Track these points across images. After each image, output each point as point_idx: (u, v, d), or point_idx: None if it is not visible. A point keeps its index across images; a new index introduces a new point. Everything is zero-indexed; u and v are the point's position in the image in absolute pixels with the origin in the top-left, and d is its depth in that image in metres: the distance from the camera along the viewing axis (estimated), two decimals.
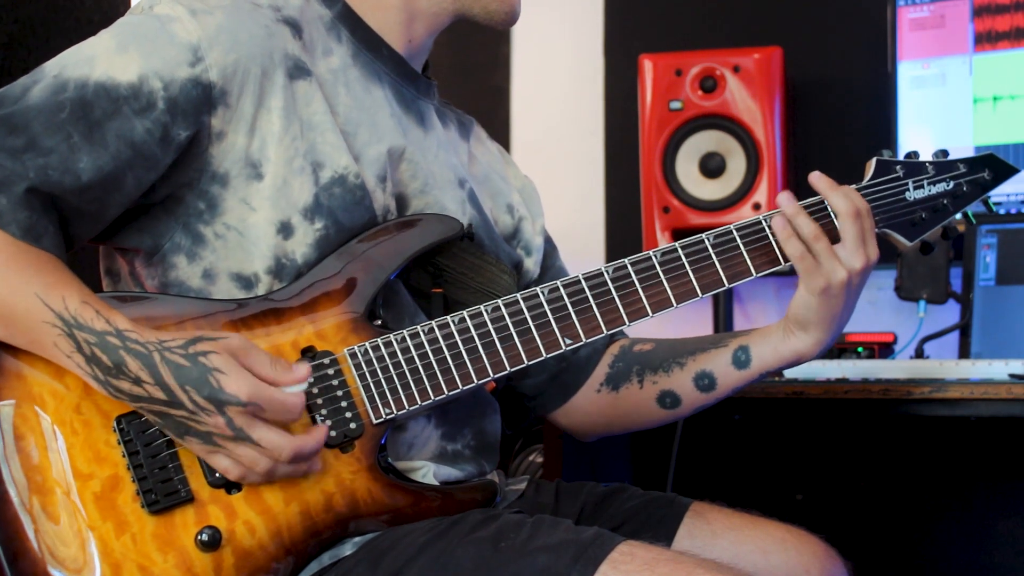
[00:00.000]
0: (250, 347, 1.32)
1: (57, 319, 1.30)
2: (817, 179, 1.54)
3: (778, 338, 1.59)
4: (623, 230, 3.03)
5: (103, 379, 1.30)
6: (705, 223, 2.58)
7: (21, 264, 1.31)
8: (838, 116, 2.82)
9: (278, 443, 1.30)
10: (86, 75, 1.36)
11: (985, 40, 2.48)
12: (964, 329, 2.32)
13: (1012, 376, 1.95)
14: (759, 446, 2.69)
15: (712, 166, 2.68)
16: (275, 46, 1.44)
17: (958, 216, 1.61)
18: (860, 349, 2.37)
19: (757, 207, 2.61)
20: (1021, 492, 2.52)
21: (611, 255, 3.01)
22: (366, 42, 1.55)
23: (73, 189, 1.34)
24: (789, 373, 2.10)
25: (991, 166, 1.61)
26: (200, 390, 1.28)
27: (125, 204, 1.40)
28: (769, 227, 1.52)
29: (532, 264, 1.73)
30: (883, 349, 2.39)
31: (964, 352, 2.31)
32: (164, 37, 1.39)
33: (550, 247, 1.79)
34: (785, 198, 1.52)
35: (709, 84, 2.65)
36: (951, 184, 1.60)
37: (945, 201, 1.59)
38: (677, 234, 2.63)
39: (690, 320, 2.72)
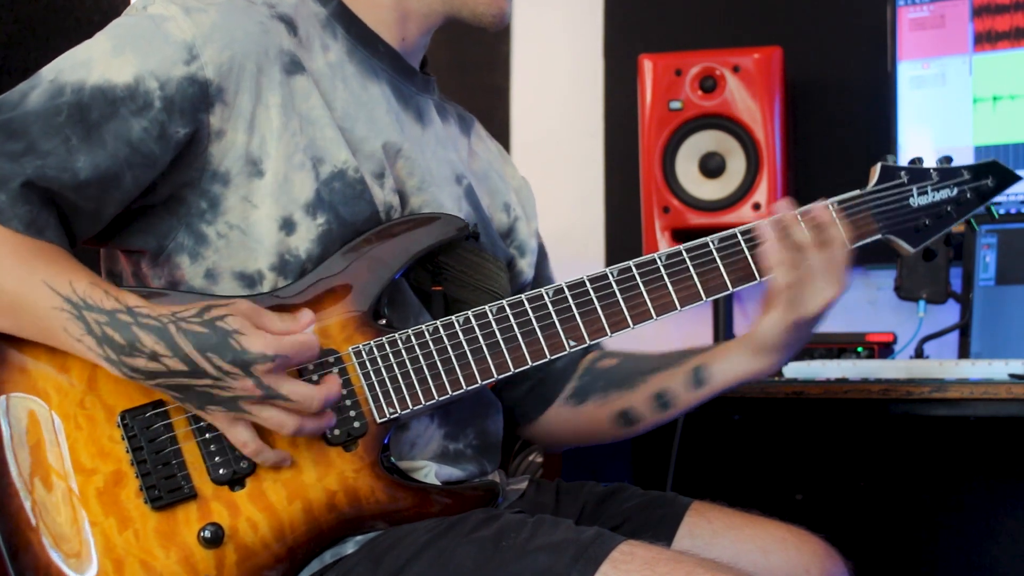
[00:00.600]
0: (257, 309, 1.32)
1: (65, 303, 1.30)
2: (781, 209, 1.52)
3: (737, 359, 1.61)
4: (623, 230, 3.02)
5: (116, 359, 1.30)
6: (705, 223, 2.58)
7: (26, 255, 1.32)
8: (838, 116, 2.82)
9: (308, 393, 1.31)
10: (83, 79, 1.36)
11: (985, 40, 2.48)
12: (964, 329, 2.32)
13: (1012, 376, 1.95)
14: (759, 446, 2.69)
15: (712, 166, 2.68)
16: (270, 42, 1.44)
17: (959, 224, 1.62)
18: (860, 349, 2.37)
19: (757, 207, 2.61)
20: (1021, 492, 2.52)
21: (611, 255, 3.01)
22: (361, 39, 1.55)
23: (70, 185, 1.35)
24: (789, 373, 2.10)
25: (994, 173, 1.62)
26: (223, 355, 1.28)
27: (124, 203, 1.40)
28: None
29: (526, 265, 1.72)
30: (883, 349, 2.39)
31: (964, 352, 2.31)
32: (159, 37, 1.39)
33: (542, 255, 1.79)
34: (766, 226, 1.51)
35: (709, 84, 2.65)
36: (955, 191, 1.60)
37: (949, 208, 1.60)
38: (677, 234, 2.63)
39: (690, 320, 2.72)
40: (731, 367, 1.62)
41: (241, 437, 1.34)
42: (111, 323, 1.30)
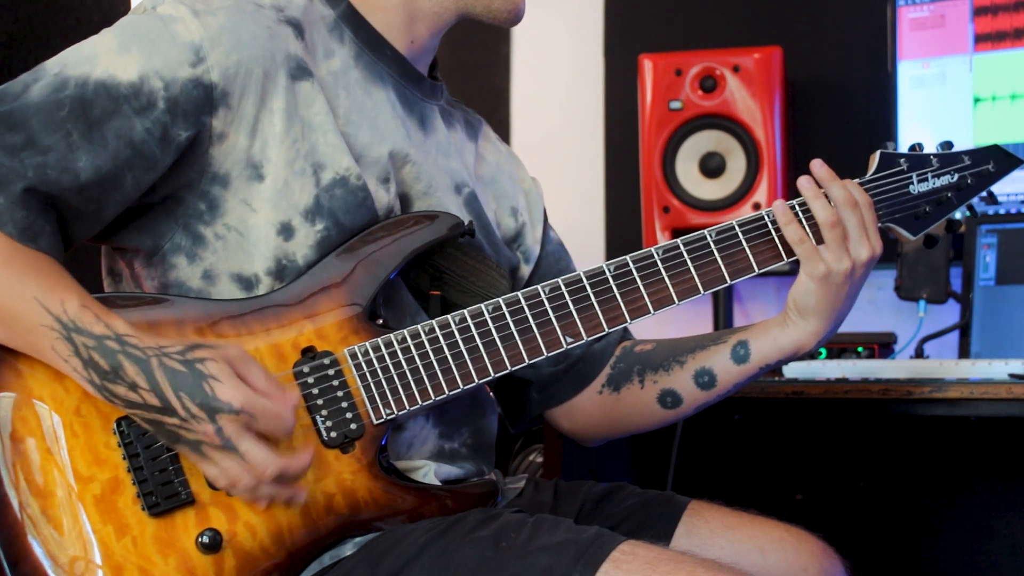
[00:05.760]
0: (247, 358, 1.31)
1: (56, 323, 1.30)
2: (818, 168, 1.53)
3: (777, 329, 1.58)
4: (623, 230, 3.03)
5: (99, 383, 1.30)
6: (705, 223, 2.56)
7: (19, 266, 1.31)
8: (838, 116, 2.82)
9: (263, 459, 1.28)
10: (87, 73, 1.36)
11: (985, 40, 2.49)
12: (964, 329, 2.32)
13: (1012, 376, 1.95)
14: (759, 446, 2.69)
15: (712, 166, 2.68)
16: (277, 47, 1.44)
17: (958, 214, 1.61)
18: (860, 349, 2.37)
19: (757, 207, 2.61)
20: (1021, 492, 2.52)
21: (611, 255, 3.00)
22: (369, 43, 1.54)
23: (71, 188, 1.34)
24: (789, 373, 2.10)
25: (995, 158, 1.60)
26: (194, 397, 1.27)
27: (124, 204, 1.40)
28: (772, 222, 1.52)
29: (527, 272, 1.72)
30: (883, 349, 2.39)
31: (964, 352, 2.31)
32: (166, 37, 1.39)
33: (562, 252, 1.78)
34: (806, 181, 1.52)
35: (709, 84, 2.65)
36: (955, 176, 1.59)
37: (949, 194, 1.58)
38: (677, 234, 2.62)
39: (690, 320, 2.72)
40: (772, 339, 1.58)
41: (211, 473, 1.31)
42: (98, 348, 1.29)
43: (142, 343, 1.30)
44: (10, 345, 1.34)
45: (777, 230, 1.52)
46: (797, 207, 1.53)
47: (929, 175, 1.58)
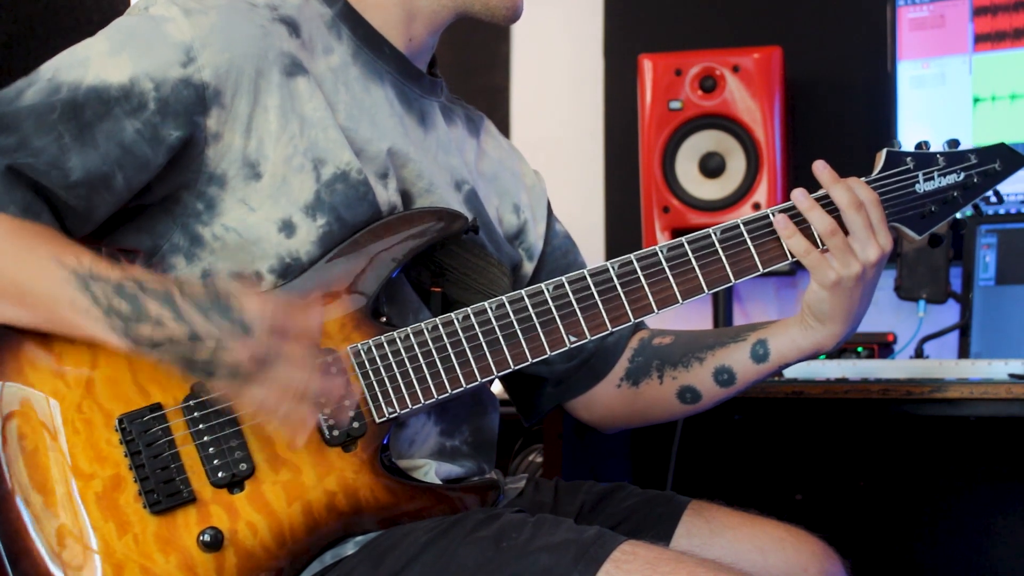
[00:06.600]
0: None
1: (72, 275, 1.29)
2: (820, 170, 1.52)
3: (796, 331, 1.58)
4: (623, 230, 3.03)
5: (122, 328, 1.29)
6: (705, 223, 2.55)
7: (27, 237, 1.32)
8: (838, 116, 2.82)
9: (308, 355, 1.30)
10: (79, 78, 1.37)
11: (985, 40, 2.49)
12: (964, 329, 2.32)
13: (1012, 376, 1.95)
14: (759, 446, 2.69)
15: (712, 166, 2.68)
16: (270, 45, 1.44)
17: (961, 214, 1.60)
18: (860, 349, 2.37)
19: (757, 207, 2.61)
20: (1021, 492, 2.52)
21: (611, 255, 3.01)
22: (367, 41, 1.55)
23: (61, 185, 1.35)
24: (789, 373, 2.10)
25: (1002, 156, 1.59)
26: (223, 314, 1.26)
27: (116, 204, 1.40)
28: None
29: (530, 269, 1.72)
30: (883, 349, 2.39)
31: (964, 352, 2.31)
32: (157, 38, 1.39)
33: (570, 244, 1.77)
34: (800, 193, 1.51)
35: (709, 84, 2.65)
36: (962, 175, 1.57)
37: (955, 193, 1.57)
38: (677, 234, 2.62)
39: (689, 319, 2.72)
40: (792, 341, 1.58)
41: (256, 396, 1.29)
42: (118, 292, 1.29)
43: (160, 280, 1.30)
44: (25, 321, 1.33)
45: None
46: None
47: (936, 174, 1.57)
